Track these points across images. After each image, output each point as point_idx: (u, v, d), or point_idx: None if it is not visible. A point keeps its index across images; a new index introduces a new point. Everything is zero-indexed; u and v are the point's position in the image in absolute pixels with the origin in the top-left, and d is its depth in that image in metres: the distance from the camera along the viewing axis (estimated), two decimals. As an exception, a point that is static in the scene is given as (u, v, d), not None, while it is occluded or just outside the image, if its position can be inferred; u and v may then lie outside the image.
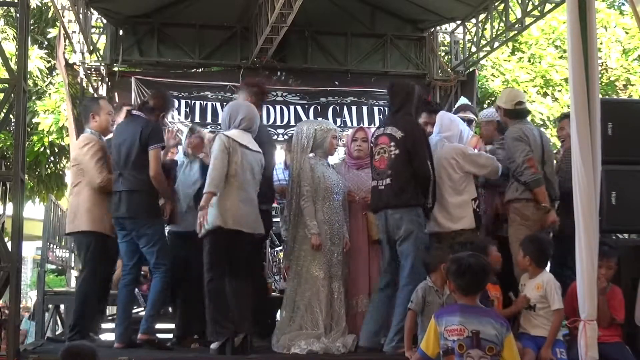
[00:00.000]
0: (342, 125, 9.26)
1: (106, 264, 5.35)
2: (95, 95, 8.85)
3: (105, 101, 5.72)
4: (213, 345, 4.70)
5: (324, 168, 5.25)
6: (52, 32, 11.06)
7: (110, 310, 6.57)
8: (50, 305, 6.78)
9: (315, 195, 5.15)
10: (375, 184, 5.00)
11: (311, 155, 5.27)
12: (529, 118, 5.63)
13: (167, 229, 5.43)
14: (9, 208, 5.58)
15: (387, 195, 4.88)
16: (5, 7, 10.30)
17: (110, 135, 5.51)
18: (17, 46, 5.90)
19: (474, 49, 9.48)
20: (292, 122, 8.98)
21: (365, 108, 9.48)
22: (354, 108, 9.46)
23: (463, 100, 6.92)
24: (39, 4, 11.38)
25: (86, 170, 5.14)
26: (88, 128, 5.32)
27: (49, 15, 11.45)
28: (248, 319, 4.81)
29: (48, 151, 10.62)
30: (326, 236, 5.13)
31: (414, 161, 4.83)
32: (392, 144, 4.90)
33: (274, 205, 6.15)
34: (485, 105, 10.82)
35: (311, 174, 5.16)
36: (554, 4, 7.89)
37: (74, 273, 9.35)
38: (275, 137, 8.62)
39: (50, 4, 10.15)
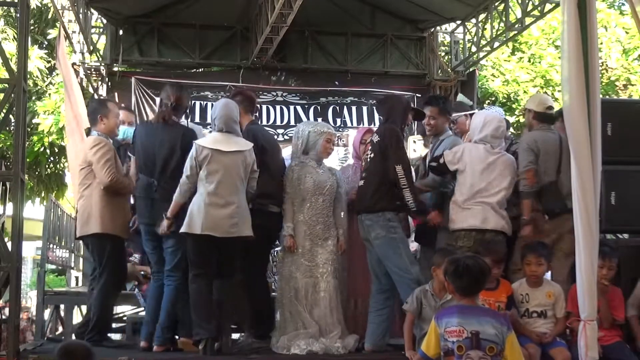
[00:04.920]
0: (342, 125, 9.28)
1: (122, 266, 5.37)
2: (96, 95, 8.86)
3: (113, 103, 5.66)
4: (200, 345, 4.72)
5: (308, 169, 5.25)
6: (52, 32, 11.06)
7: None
8: (50, 305, 6.79)
9: (295, 197, 5.19)
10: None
11: (303, 156, 5.29)
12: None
13: None
14: (9, 208, 5.55)
15: (359, 198, 5.10)
16: (5, 7, 10.29)
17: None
18: (17, 46, 5.91)
19: (474, 49, 9.48)
20: (292, 122, 8.98)
21: (365, 108, 9.48)
22: (354, 108, 9.46)
23: (459, 98, 6.92)
24: (39, 4, 11.38)
25: (95, 171, 5.07)
26: (95, 130, 5.24)
27: (49, 16, 11.45)
28: (218, 322, 4.79)
29: (48, 151, 10.62)
30: (305, 236, 5.16)
31: (386, 165, 4.93)
32: (370, 147, 5.10)
33: None
34: (485, 106, 10.81)
35: (291, 176, 5.22)
36: (554, 4, 7.88)
37: (74, 273, 9.37)
38: (275, 137, 8.61)
39: (50, 4, 10.15)
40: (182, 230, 4.72)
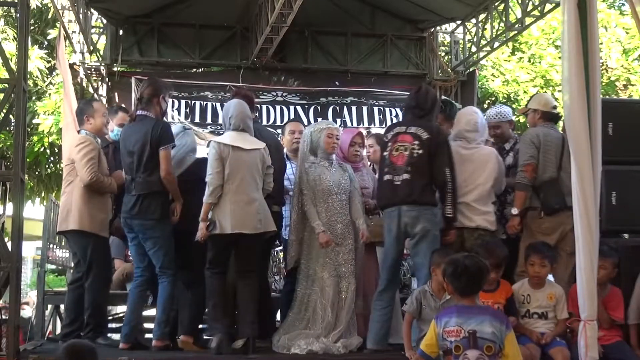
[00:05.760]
0: (342, 125, 9.22)
1: (107, 263, 5.38)
2: (95, 95, 8.86)
3: (99, 103, 5.72)
4: (212, 343, 4.72)
5: (322, 169, 5.24)
6: (52, 33, 11.05)
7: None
8: (50, 305, 6.79)
9: (314, 198, 5.17)
10: (389, 178, 4.93)
11: (312, 158, 5.29)
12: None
13: None
14: (9, 208, 5.56)
15: (403, 191, 4.84)
16: (5, 7, 10.29)
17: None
18: (17, 46, 5.89)
19: (474, 49, 9.49)
20: (292, 122, 8.97)
21: (365, 108, 9.48)
22: (354, 108, 9.46)
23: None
24: (39, 4, 11.37)
25: (77, 168, 5.14)
26: (83, 130, 5.32)
27: (49, 16, 11.43)
28: (249, 322, 4.82)
29: (48, 151, 10.60)
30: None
31: (434, 164, 4.85)
32: (416, 142, 4.89)
33: None
34: (485, 106, 10.81)
35: (306, 178, 5.20)
36: (554, 4, 7.89)
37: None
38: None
39: (50, 4, 10.15)
40: (213, 232, 4.73)
